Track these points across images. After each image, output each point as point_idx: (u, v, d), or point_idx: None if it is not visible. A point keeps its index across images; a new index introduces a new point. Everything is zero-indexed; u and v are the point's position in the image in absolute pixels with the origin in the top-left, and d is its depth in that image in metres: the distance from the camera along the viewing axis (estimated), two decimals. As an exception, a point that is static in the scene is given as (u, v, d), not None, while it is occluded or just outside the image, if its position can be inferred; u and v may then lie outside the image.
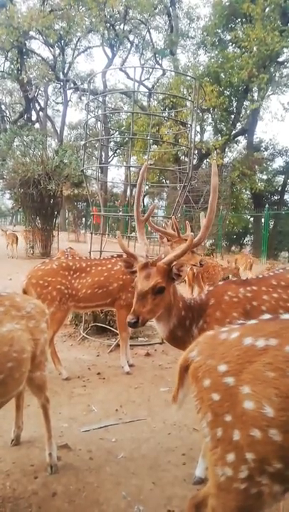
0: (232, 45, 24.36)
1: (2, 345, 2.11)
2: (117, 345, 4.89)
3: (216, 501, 1.46)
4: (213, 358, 1.50)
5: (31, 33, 27.09)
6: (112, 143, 34.52)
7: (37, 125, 32.48)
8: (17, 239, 15.24)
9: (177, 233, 4.76)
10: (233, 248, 25.23)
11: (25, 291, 4.33)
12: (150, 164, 14.08)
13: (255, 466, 1.33)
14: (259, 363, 1.36)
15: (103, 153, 30.59)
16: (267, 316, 1.66)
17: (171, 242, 4.71)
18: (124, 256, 2.81)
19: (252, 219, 26.39)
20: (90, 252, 6.07)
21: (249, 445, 1.32)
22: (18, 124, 30.43)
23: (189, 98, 17.36)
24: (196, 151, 20.32)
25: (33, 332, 2.35)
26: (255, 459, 1.32)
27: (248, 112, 24.86)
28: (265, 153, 27.67)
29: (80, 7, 26.20)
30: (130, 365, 4.57)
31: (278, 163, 28.08)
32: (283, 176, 26.96)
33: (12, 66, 28.43)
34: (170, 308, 2.59)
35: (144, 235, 2.98)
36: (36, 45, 41.98)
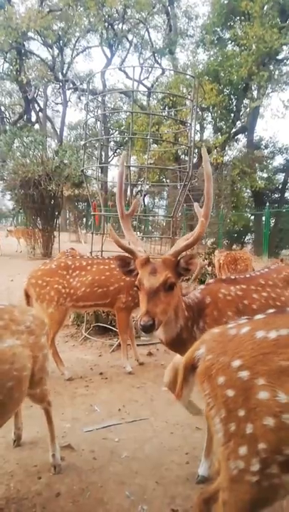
0: (231, 43, 24.29)
1: (3, 362, 1.96)
2: (119, 345, 4.89)
3: (229, 495, 1.48)
4: (225, 354, 1.51)
5: (30, 33, 27.03)
6: (112, 142, 34.49)
7: (37, 126, 32.44)
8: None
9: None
10: (234, 246, 25.18)
11: (26, 292, 4.35)
12: (150, 163, 14.07)
13: (266, 457, 1.36)
14: (273, 353, 1.40)
15: (103, 153, 30.55)
16: (272, 310, 1.70)
17: None
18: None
19: (253, 217, 26.34)
20: (90, 253, 6.07)
21: (262, 435, 1.35)
22: (18, 125, 30.37)
23: (189, 97, 17.34)
24: (196, 150, 20.28)
25: (33, 348, 2.23)
26: (266, 449, 1.35)
27: (247, 110, 24.81)
28: (266, 151, 27.60)
29: (79, 7, 26.17)
30: (140, 364, 4.65)
31: (279, 161, 28.02)
32: (284, 174, 26.87)
33: (11, 67, 28.39)
34: (177, 308, 2.37)
35: (132, 231, 2.68)
36: (35, 45, 41.73)
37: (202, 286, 2.74)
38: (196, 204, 2.78)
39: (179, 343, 2.42)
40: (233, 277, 2.85)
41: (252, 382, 1.39)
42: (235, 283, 2.68)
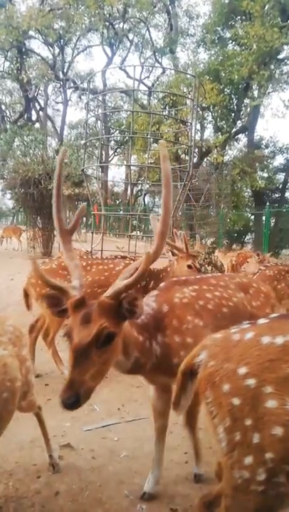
0: (232, 42, 24.27)
1: None
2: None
3: (232, 502, 1.45)
4: (230, 361, 1.45)
5: (30, 32, 27.02)
6: (113, 142, 34.50)
7: (37, 125, 32.44)
8: (20, 233, 16.18)
9: (186, 248, 4.73)
10: (234, 246, 25.17)
11: (25, 291, 4.35)
12: (150, 163, 14.07)
13: (273, 466, 1.32)
14: (280, 360, 1.35)
15: (103, 153, 30.59)
16: (274, 315, 1.66)
17: (177, 257, 4.68)
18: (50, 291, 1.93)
19: (253, 217, 26.33)
20: (90, 252, 6.08)
21: (270, 444, 1.31)
22: (19, 123, 30.41)
23: (189, 96, 17.33)
24: (196, 150, 20.28)
25: (19, 359, 2.15)
26: (274, 459, 1.31)
27: (248, 109, 24.79)
28: (266, 150, 27.59)
29: (79, 6, 26.14)
30: None
31: (279, 160, 27.99)
32: (284, 174, 26.87)
33: (12, 66, 28.41)
34: (127, 348, 1.99)
35: (73, 252, 2.13)
36: (36, 44, 41.90)
37: (155, 292, 2.45)
38: (152, 216, 2.35)
39: (137, 370, 2.17)
40: (184, 278, 2.73)
41: (259, 391, 1.35)
42: (187, 284, 2.54)
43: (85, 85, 29.20)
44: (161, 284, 2.58)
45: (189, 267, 4.62)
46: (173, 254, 4.71)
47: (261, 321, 1.58)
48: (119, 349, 1.89)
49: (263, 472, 1.33)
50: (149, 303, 2.30)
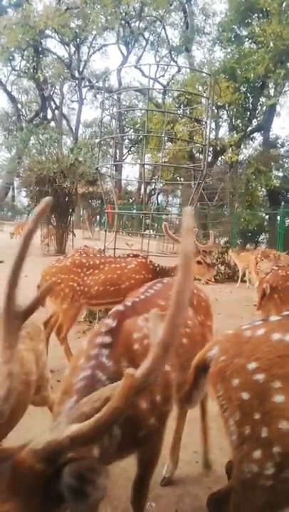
0: (248, 40, 24.04)
1: None
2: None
3: (241, 498, 1.46)
4: (240, 356, 1.48)
5: (47, 31, 27.28)
6: (127, 141, 34.55)
7: (52, 123, 32.76)
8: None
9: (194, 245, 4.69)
10: (247, 246, 24.94)
11: (39, 288, 4.40)
12: (164, 162, 14.03)
13: (280, 461, 1.34)
14: None
15: (118, 151, 30.67)
16: (287, 313, 1.66)
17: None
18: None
19: (267, 216, 26.04)
20: (104, 250, 6.11)
21: (277, 438, 1.33)
22: (34, 122, 30.71)
23: (204, 95, 17.26)
24: (210, 148, 20.16)
25: (36, 353, 2.19)
26: (281, 453, 1.33)
27: (264, 108, 24.53)
28: (282, 149, 27.23)
29: (96, 5, 26.25)
30: None
31: (295, 159, 27.61)
32: (300, 173, 26.51)
33: (28, 65, 28.76)
34: None
35: (14, 349, 1.30)
36: (52, 43, 42.32)
37: (107, 339, 1.64)
38: (151, 314, 1.27)
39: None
40: (129, 303, 1.98)
41: (268, 385, 1.37)
42: (136, 310, 1.91)
43: (101, 84, 29.35)
44: (108, 321, 1.75)
45: (199, 262, 4.59)
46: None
47: (273, 318, 1.60)
48: None
49: (271, 467, 1.35)
50: (100, 357, 1.55)
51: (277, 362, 1.39)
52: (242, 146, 25.64)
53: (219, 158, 24.49)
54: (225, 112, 25.04)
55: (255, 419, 1.38)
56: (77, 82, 32.35)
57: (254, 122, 25.70)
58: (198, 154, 21.86)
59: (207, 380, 1.66)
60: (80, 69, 31.88)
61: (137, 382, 1.01)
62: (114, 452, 1.49)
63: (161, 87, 28.35)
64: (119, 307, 1.85)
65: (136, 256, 4.74)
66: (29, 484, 0.97)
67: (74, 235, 16.11)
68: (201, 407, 2.55)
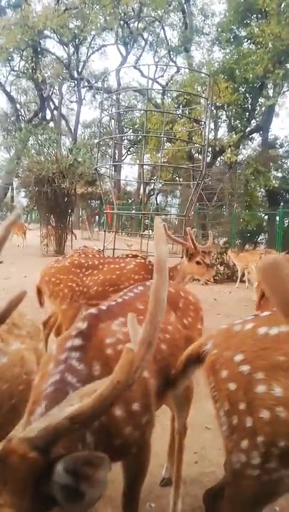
0: (247, 41, 24.06)
1: (14, 365, 1.92)
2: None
3: (233, 489, 1.52)
4: (229, 349, 1.56)
5: (46, 32, 27.26)
6: (126, 141, 34.56)
7: (51, 124, 32.74)
8: (24, 231, 17.24)
9: (193, 246, 4.69)
10: (246, 246, 24.97)
11: (39, 289, 4.41)
12: (163, 162, 14.04)
13: (265, 451, 1.39)
14: (271, 349, 1.44)
15: (117, 152, 30.68)
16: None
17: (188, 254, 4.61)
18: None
19: (266, 217, 26.07)
20: (103, 250, 6.12)
21: (260, 428, 1.39)
22: (33, 122, 30.71)
23: (203, 95, 17.28)
24: (209, 149, 20.16)
25: (36, 353, 2.18)
26: (264, 442, 1.38)
27: (263, 108, 24.56)
28: (281, 150, 27.23)
29: (95, 5, 26.26)
30: None
31: (294, 160, 27.63)
32: (299, 174, 26.53)
33: (27, 65, 28.70)
34: None
35: None
36: (51, 44, 42.34)
37: (77, 342, 1.54)
38: (129, 317, 1.34)
39: None
40: (104, 307, 1.85)
41: (251, 377, 1.43)
42: (111, 315, 1.78)
43: (99, 84, 29.30)
44: (79, 324, 1.64)
45: (198, 263, 4.59)
46: (187, 254, 4.67)
47: (264, 313, 1.67)
48: None
49: (256, 456, 1.40)
50: (70, 360, 1.47)
51: (260, 354, 1.45)
52: (241, 147, 25.66)
53: (218, 159, 24.50)
54: (224, 112, 25.05)
55: (241, 410, 1.44)
56: (76, 82, 32.33)
57: (253, 123, 25.72)
58: (197, 155, 21.88)
59: (195, 371, 1.80)
60: (79, 69, 31.86)
61: (118, 387, 0.97)
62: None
63: (160, 88, 28.35)
64: (93, 310, 1.78)
65: (135, 256, 4.75)
66: (22, 475, 0.89)
67: (74, 235, 16.11)
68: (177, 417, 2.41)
